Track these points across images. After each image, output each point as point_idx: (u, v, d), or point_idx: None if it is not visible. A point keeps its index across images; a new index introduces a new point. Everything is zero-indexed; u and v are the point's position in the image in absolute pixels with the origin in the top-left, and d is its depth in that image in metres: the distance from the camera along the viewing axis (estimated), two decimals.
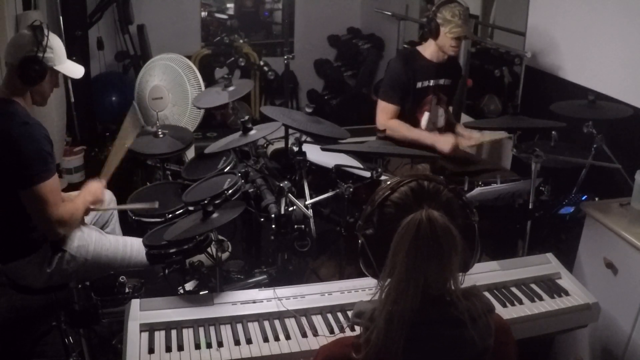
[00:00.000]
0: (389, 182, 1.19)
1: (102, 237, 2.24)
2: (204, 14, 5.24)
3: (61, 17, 3.87)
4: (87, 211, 2.19)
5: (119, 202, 2.53)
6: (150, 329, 1.66)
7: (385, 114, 2.89)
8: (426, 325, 1.10)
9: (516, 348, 1.24)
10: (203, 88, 3.40)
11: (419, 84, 2.90)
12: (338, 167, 2.40)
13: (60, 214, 1.97)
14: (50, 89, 2.10)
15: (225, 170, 2.37)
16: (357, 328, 1.21)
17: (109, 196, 2.44)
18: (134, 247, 2.23)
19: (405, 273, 1.07)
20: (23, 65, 1.95)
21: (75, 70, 2.15)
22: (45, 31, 1.97)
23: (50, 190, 1.93)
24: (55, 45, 2.02)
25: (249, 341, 1.65)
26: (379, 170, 2.29)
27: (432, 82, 2.93)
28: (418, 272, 1.07)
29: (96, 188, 2.24)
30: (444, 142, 2.79)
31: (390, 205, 1.14)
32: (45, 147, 1.94)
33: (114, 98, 4.55)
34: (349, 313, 1.72)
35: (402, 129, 2.85)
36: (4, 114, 1.94)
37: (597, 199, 2.39)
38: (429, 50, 2.91)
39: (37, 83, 2.00)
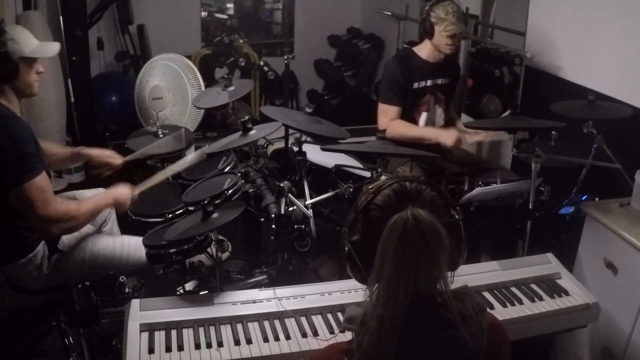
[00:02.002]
0: (370, 187, 1.18)
1: (100, 237, 2.24)
2: (204, 14, 5.24)
3: (61, 17, 3.87)
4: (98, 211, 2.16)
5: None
6: (150, 329, 1.66)
7: (386, 116, 2.88)
8: (417, 328, 1.09)
9: (510, 347, 1.23)
10: (203, 88, 3.41)
11: (416, 85, 2.90)
12: (338, 167, 2.40)
13: (48, 213, 1.93)
14: (33, 77, 2.03)
15: (225, 170, 2.37)
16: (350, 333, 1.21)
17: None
18: (131, 246, 2.23)
19: (394, 274, 1.06)
20: None
21: (48, 50, 2.08)
22: (3, 26, 1.92)
23: (36, 189, 1.90)
24: (16, 35, 1.96)
25: (249, 341, 1.65)
26: (379, 170, 2.29)
27: (429, 82, 2.93)
28: (407, 271, 1.06)
29: (124, 194, 2.19)
30: (447, 136, 2.77)
31: (374, 209, 1.14)
32: (29, 147, 1.90)
33: (114, 98, 4.55)
34: None
35: (404, 129, 2.85)
36: None
37: (597, 199, 2.39)
38: (424, 50, 2.91)
39: (14, 78, 1.96)
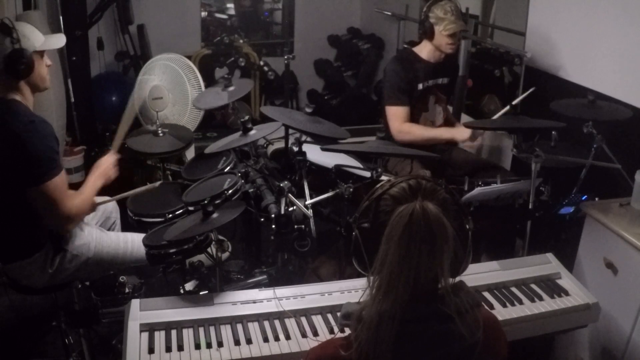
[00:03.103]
0: (389, 180, 1.20)
1: (103, 234, 2.25)
2: (204, 14, 5.24)
3: (61, 17, 3.87)
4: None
5: (120, 206, 2.53)
6: (150, 329, 1.66)
7: (397, 118, 2.87)
8: (415, 322, 1.10)
9: (506, 342, 1.24)
10: (203, 88, 3.40)
11: (420, 86, 2.90)
12: (338, 167, 2.40)
13: (68, 210, 1.98)
14: (45, 70, 2.08)
15: (225, 170, 2.37)
16: (346, 330, 1.21)
17: (111, 205, 2.46)
18: (134, 242, 2.24)
19: (397, 263, 1.07)
20: (8, 65, 1.93)
21: (56, 42, 2.13)
22: (10, 23, 1.95)
23: (58, 187, 1.93)
24: (26, 31, 2.00)
25: (249, 341, 1.65)
26: (379, 170, 2.29)
27: (431, 83, 2.93)
28: (409, 262, 1.07)
29: (105, 168, 2.25)
30: (461, 132, 2.83)
31: (386, 198, 1.16)
32: (52, 145, 1.94)
33: (114, 98, 4.55)
34: None
35: (418, 131, 2.86)
36: (7, 113, 1.93)
37: (597, 199, 2.39)
38: (425, 50, 2.91)
39: (31, 72, 1.99)
